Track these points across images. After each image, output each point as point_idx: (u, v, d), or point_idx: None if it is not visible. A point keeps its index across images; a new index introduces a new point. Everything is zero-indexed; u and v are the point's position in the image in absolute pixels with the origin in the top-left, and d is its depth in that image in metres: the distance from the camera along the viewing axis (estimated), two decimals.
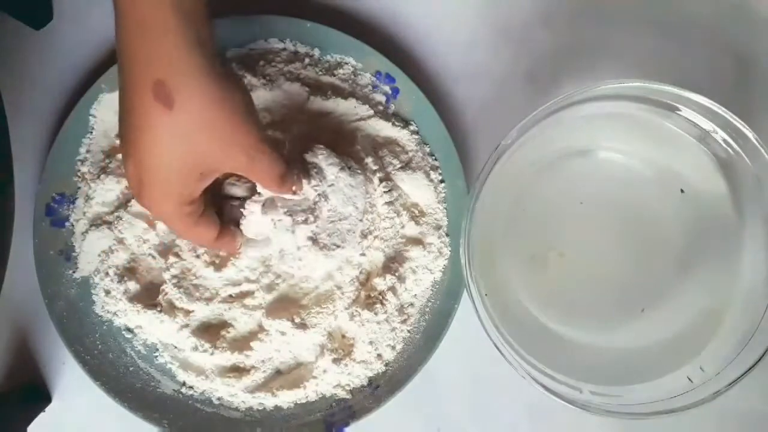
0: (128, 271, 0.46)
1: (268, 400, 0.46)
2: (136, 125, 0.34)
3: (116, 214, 0.46)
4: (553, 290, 0.44)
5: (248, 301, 0.45)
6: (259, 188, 0.41)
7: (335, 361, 0.45)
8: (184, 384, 0.46)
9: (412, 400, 0.46)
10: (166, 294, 0.45)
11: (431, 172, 0.46)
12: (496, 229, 0.43)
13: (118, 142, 0.47)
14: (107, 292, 0.46)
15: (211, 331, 0.46)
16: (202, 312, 0.45)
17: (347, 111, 0.46)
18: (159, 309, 0.45)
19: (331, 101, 0.46)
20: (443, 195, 0.46)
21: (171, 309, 0.45)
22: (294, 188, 0.41)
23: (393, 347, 0.46)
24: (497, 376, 0.47)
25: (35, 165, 0.48)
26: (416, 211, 0.46)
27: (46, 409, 0.48)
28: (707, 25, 0.47)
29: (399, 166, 0.46)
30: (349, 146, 0.45)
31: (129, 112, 0.34)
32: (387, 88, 0.47)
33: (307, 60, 0.47)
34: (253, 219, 0.42)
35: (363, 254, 0.45)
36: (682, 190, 0.42)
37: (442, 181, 0.46)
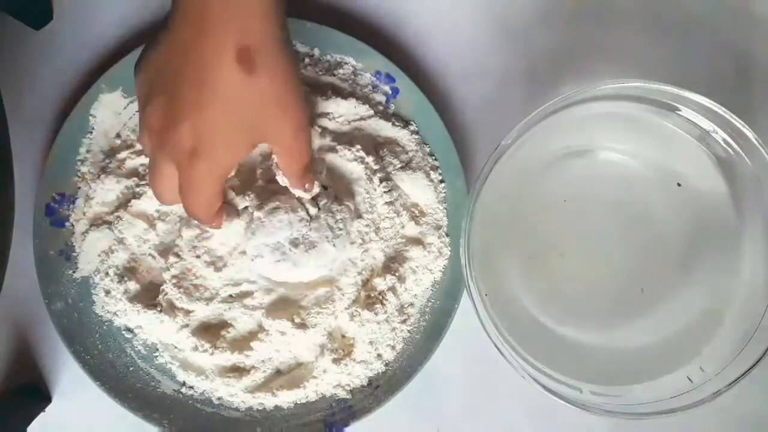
0: (128, 271, 0.46)
1: (268, 400, 0.46)
2: (206, 85, 0.34)
3: (116, 214, 0.46)
4: (553, 290, 0.44)
5: (248, 301, 0.45)
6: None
7: (335, 361, 0.45)
8: (184, 384, 0.46)
9: (412, 400, 0.46)
10: (166, 294, 0.45)
11: (431, 172, 0.46)
12: (496, 229, 0.43)
13: (118, 142, 0.47)
14: (107, 292, 0.46)
15: (211, 331, 0.46)
16: (202, 312, 0.45)
17: (347, 111, 0.46)
18: (159, 309, 0.45)
19: (331, 101, 0.46)
20: (443, 195, 0.46)
21: (171, 309, 0.45)
22: (307, 186, 0.42)
23: (393, 347, 0.46)
24: (497, 376, 0.47)
25: (35, 165, 0.48)
26: (416, 211, 0.46)
27: (46, 409, 0.48)
28: (707, 25, 0.47)
29: (399, 166, 0.46)
30: (348, 146, 0.45)
31: (198, 69, 0.34)
32: (387, 88, 0.47)
33: (307, 60, 0.47)
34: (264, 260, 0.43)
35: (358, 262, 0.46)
36: (678, 184, 0.42)
37: (442, 181, 0.46)
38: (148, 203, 0.46)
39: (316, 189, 0.43)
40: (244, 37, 0.34)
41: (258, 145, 0.38)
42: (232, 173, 0.42)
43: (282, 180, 0.42)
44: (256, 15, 0.34)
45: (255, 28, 0.34)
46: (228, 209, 0.43)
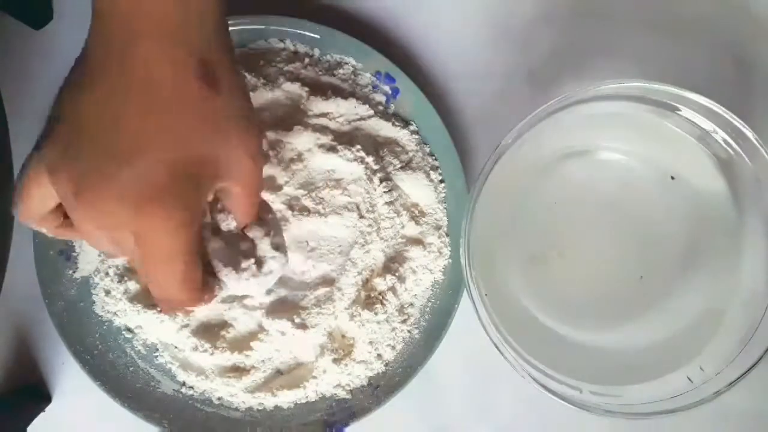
0: (128, 271, 0.46)
1: (268, 400, 0.46)
2: (160, 107, 0.29)
3: None
4: (553, 290, 0.44)
5: (248, 301, 0.45)
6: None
7: (335, 361, 0.45)
8: (184, 384, 0.46)
9: (412, 400, 0.46)
10: None
11: (431, 172, 0.46)
12: (496, 229, 0.43)
13: None
14: (107, 292, 0.46)
15: (211, 331, 0.46)
16: (202, 312, 0.45)
17: (347, 111, 0.46)
18: (159, 309, 0.45)
19: (331, 101, 0.46)
20: (443, 195, 0.46)
21: None
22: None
23: (393, 347, 0.46)
24: (497, 376, 0.47)
25: None
26: (416, 211, 0.46)
27: (46, 409, 0.48)
28: (707, 25, 0.47)
29: (399, 166, 0.46)
30: (348, 146, 0.45)
31: (144, 89, 0.28)
32: (387, 88, 0.47)
33: (307, 60, 0.47)
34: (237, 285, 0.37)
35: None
36: (672, 177, 0.42)
37: (442, 181, 0.46)
38: None
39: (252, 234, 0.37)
40: (203, 50, 0.29)
41: (220, 180, 0.31)
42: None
43: (228, 225, 0.36)
44: (215, 29, 0.30)
45: (214, 42, 0.30)
46: (208, 279, 0.36)
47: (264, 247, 0.37)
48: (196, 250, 0.31)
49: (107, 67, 0.29)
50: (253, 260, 0.36)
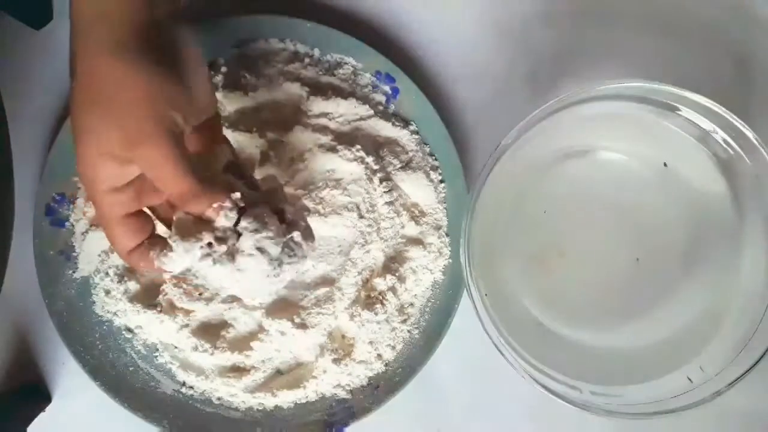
0: (128, 271, 0.46)
1: (268, 400, 0.46)
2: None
3: None
4: (554, 290, 0.44)
5: (248, 301, 0.45)
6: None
7: (335, 361, 0.45)
8: (184, 384, 0.46)
9: (412, 400, 0.46)
10: (166, 294, 0.45)
11: (431, 172, 0.46)
12: (496, 229, 0.43)
13: None
14: (107, 292, 0.46)
15: (211, 331, 0.46)
16: (202, 312, 0.45)
17: (347, 111, 0.46)
18: (159, 309, 0.45)
19: (331, 101, 0.46)
20: (443, 195, 0.46)
21: (171, 309, 0.45)
22: (209, 212, 0.34)
23: (393, 347, 0.46)
24: (497, 376, 0.47)
25: (35, 165, 0.48)
26: (416, 211, 0.46)
27: (46, 409, 0.48)
28: (707, 25, 0.47)
29: (399, 166, 0.46)
30: (348, 146, 0.45)
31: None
32: (387, 88, 0.47)
33: (307, 60, 0.47)
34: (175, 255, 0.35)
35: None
36: (665, 164, 0.42)
37: (442, 181, 0.46)
38: None
39: (225, 222, 0.35)
40: (73, 42, 0.33)
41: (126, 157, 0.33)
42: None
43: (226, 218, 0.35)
44: (82, 21, 0.33)
45: (79, 33, 0.33)
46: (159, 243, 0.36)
47: (246, 242, 0.35)
48: (111, 216, 0.35)
49: None
50: (206, 241, 0.34)
